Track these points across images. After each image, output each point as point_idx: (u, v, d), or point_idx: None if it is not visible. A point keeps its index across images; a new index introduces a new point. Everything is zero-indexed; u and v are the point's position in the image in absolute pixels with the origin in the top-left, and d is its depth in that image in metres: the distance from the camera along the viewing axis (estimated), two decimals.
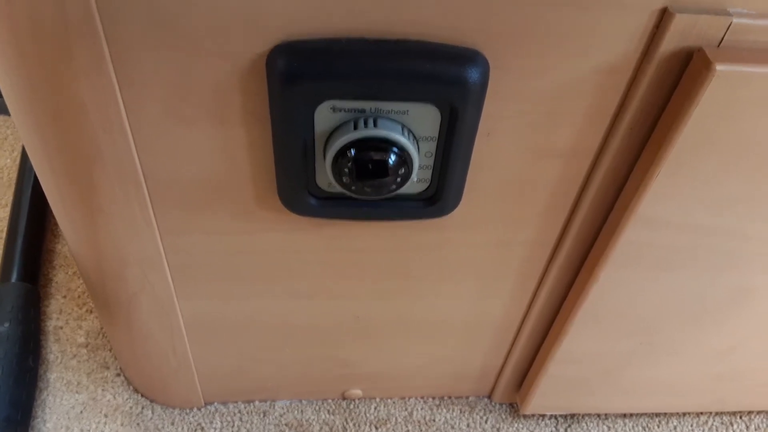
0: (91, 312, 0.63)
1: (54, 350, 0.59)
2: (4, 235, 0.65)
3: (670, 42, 0.30)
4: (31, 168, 0.67)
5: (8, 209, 0.66)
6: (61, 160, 0.34)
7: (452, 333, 0.50)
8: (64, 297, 0.64)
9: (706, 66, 0.29)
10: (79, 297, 0.64)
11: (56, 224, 0.69)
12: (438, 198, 0.36)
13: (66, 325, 0.61)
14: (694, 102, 0.30)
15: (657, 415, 0.61)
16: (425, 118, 0.32)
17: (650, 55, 0.31)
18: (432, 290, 0.46)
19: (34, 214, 0.64)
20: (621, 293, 0.43)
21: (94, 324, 0.62)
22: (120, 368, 0.59)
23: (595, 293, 0.43)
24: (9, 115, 0.79)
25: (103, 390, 0.58)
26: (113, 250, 0.39)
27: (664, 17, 0.29)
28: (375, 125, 0.31)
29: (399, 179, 0.33)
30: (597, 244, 0.40)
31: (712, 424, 0.61)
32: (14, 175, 0.71)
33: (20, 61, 0.29)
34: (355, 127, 0.31)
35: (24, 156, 0.70)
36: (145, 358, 0.52)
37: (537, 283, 0.46)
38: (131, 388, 0.58)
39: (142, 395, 0.57)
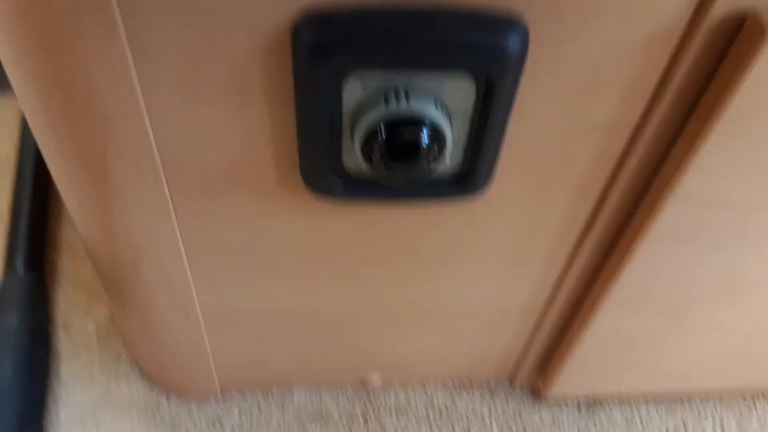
0: (100, 300, 0.61)
1: (64, 341, 0.58)
2: (5, 221, 0.63)
3: (722, 5, 0.28)
4: (31, 152, 0.65)
5: (8, 196, 0.64)
6: (72, 143, 0.32)
7: (476, 317, 0.49)
8: (72, 285, 0.62)
9: (760, 31, 0.28)
10: (87, 284, 0.62)
11: (59, 207, 0.67)
12: (469, 177, 0.34)
13: (75, 314, 0.60)
14: (746, 70, 0.29)
15: (680, 398, 0.60)
16: (460, 91, 0.30)
17: (699, 20, 0.29)
18: (458, 273, 0.44)
19: (37, 199, 0.62)
20: (654, 272, 0.42)
21: (104, 312, 0.60)
22: (133, 358, 0.58)
23: (628, 273, 0.41)
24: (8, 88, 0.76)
25: (116, 381, 0.56)
26: (128, 238, 0.38)
27: None
28: (407, 100, 0.29)
29: (432, 158, 0.31)
30: (633, 222, 0.39)
31: (735, 406, 0.60)
32: (13, 160, 0.68)
33: (24, 37, 0.27)
34: (387, 101, 0.29)
35: (23, 139, 0.67)
36: (159, 348, 0.50)
37: (566, 263, 0.44)
38: (145, 378, 0.56)
39: (156, 385, 0.56)
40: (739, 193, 0.35)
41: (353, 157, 0.33)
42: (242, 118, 0.31)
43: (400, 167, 0.31)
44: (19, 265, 0.56)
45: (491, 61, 0.28)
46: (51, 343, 0.57)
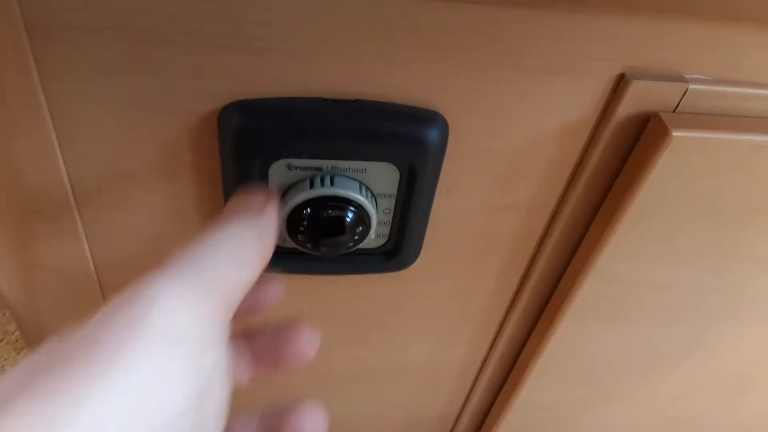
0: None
1: None
2: None
3: (627, 107, 0.30)
4: None
5: None
6: None
7: (410, 381, 0.49)
8: (0, 340, 0.60)
9: (663, 131, 0.30)
10: (16, 341, 0.60)
11: None
12: (396, 253, 0.35)
13: (1, 370, 0.58)
14: (650, 165, 0.31)
15: None
16: (384, 175, 0.31)
17: (607, 119, 0.31)
18: (390, 339, 0.45)
19: None
20: (578, 343, 0.43)
21: None
22: None
23: (552, 343, 0.42)
24: None
25: None
26: (52, 306, 0.37)
27: (621, 83, 0.29)
28: (332, 183, 0.30)
29: (356, 237, 0.32)
30: (555, 296, 0.40)
31: None
32: None
33: None
34: (312, 185, 0.30)
35: None
36: None
37: (496, 331, 0.45)
38: None
39: None
40: (650, 273, 0.37)
41: (281, 234, 0.33)
42: (169, 195, 0.31)
43: (324, 245, 0.32)
44: None
45: (413, 151, 0.30)
46: None
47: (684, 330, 0.43)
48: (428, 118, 0.29)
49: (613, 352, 0.44)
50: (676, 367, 0.47)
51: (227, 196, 0.31)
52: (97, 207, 0.31)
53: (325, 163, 0.30)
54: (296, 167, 0.30)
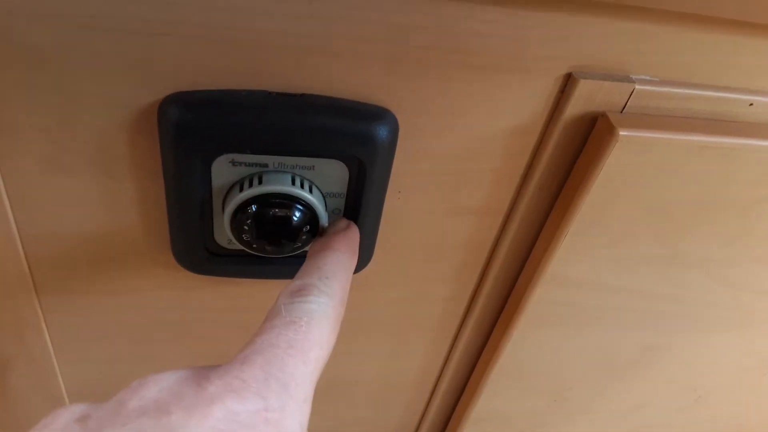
0: None
1: None
2: None
3: (575, 106, 0.30)
4: None
5: None
6: None
7: (365, 393, 0.48)
8: None
9: (610, 131, 0.30)
10: None
11: None
12: None
13: None
14: (598, 165, 0.31)
15: None
16: (333, 174, 0.30)
17: (556, 119, 0.31)
18: (344, 349, 0.43)
19: None
20: (533, 350, 0.42)
21: None
22: None
23: (508, 351, 0.42)
24: None
25: None
26: None
27: (568, 82, 0.29)
28: (279, 181, 0.29)
29: (304, 237, 0.31)
30: (509, 302, 0.40)
31: None
32: None
33: None
34: (258, 182, 0.29)
35: None
36: (25, 427, 0.46)
37: (452, 340, 0.44)
38: None
39: None
40: (602, 277, 0.37)
41: (226, 234, 0.32)
42: (108, 193, 0.30)
43: (270, 245, 0.31)
44: None
45: (361, 148, 0.29)
46: None
47: (637, 337, 0.43)
48: (377, 114, 0.29)
49: (569, 360, 0.44)
50: (631, 376, 0.47)
51: (169, 193, 0.30)
52: (32, 204, 0.30)
53: (271, 160, 0.29)
54: (241, 163, 0.29)
